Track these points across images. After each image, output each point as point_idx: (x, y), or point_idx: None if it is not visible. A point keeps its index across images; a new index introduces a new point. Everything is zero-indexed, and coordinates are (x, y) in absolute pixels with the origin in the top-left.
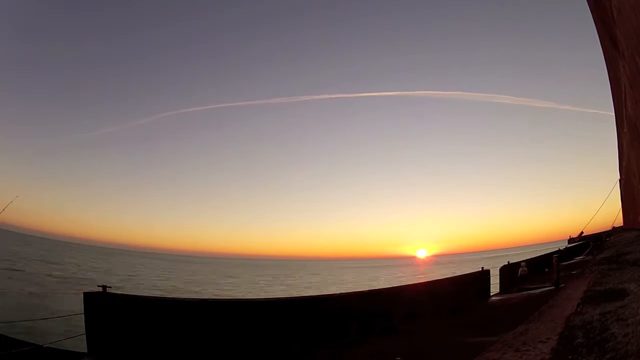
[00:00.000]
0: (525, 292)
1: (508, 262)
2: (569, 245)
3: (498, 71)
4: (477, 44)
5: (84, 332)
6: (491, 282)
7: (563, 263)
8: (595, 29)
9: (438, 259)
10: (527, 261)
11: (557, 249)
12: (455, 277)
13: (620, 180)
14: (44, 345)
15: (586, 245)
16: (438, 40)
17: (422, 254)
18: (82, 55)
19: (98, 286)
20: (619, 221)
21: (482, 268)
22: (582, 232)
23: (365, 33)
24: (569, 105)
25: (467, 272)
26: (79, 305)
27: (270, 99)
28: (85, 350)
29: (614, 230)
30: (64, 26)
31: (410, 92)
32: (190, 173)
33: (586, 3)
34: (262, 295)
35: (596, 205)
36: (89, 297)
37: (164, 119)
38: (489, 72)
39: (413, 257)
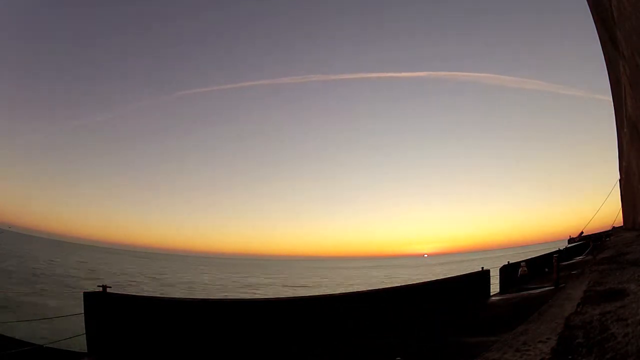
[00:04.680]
0: (525, 292)
1: (508, 262)
2: (569, 245)
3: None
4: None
5: (84, 332)
6: (491, 282)
7: (563, 263)
8: (595, 28)
9: (438, 259)
10: (527, 261)
11: (557, 249)
12: (455, 277)
13: (620, 180)
14: (44, 345)
15: (586, 245)
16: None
17: (422, 253)
18: (67, 36)
19: (98, 286)
20: (619, 221)
21: (482, 268)
22: (582, 232)
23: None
24: (576, 90)
25: (467, 272)
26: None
27: (262, 81)
28: (85, 350)
29: (614, 230)
30: (43, 6)
31: (418, 73)
32: (178, 165)
33: (586, 3)
34: None
35: (596, 205)
36: (89, 297)
37: (151, 105)
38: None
39: (413, 256)
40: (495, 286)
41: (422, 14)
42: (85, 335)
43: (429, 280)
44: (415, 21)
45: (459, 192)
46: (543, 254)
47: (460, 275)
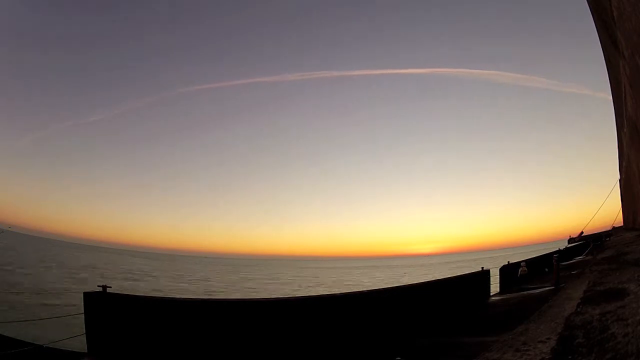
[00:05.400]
0: (525, 292)
1: (508, 262)
2: (569, 245)
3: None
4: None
5: (84, 332)
6: (491, 282)
7: (563, 263)
8: (595, 29)
9: (438, 259)
10: (527, 261)
11: (557, 249)
12: (455, 277)
13: (620, 180)
14: (44, 345)
15: (586, 245)
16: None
17: (423, 253)
18: (63, 35)
19: (98, 286)
20: (619, 221)
21: (482, 268)
22: (582, 232)
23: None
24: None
25: (467, 272)
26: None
27: (262, 78)
28: (85, 350)
29: (614, 230)
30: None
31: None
32: (174, 163)
33: (586, 3)
34: None
35: (596, 205)
36: (89, 297)
37: (151, 103)
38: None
39: (414, 256)
40: (495, 286)
41: (426, 11)
42: (85, 335)
43: (429, 280)
44: (419, 19)
45: (460, 193)
46: (543, 254)
47: (460, 275)
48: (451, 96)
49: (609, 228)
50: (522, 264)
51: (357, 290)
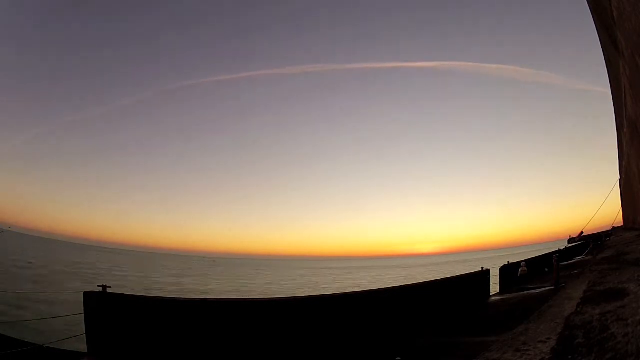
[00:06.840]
0: (525, 292)
1: (508, 262)
2: (569, 245)
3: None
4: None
5: (84, 332)
6: (491, 282)
7: (563, 263)
8: (595, 29)
9: (438, 258)
10: (527, 261)
11: (557, 249)
12: (456, 277)
13: (620, 180)
14: (44, 345)
15: (586, 245)
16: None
17: (423, 253)
18: (57, 32)
19: (98, 286)
20: (619, 221)
21: (482, 268)
22: (582, 232)
23: None
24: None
25: (467, 272)
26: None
27: (260, 72)
28: (85, 350)
29: (614, 230)
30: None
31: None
32: (173, 162)
33: (586, 3)
34: None
35: (596, 205)
36: (89, 297)
37: (146, 99)
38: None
39: (414, 256)
40: (495, 286)
41: (433, 5)
42: (85, 335)
43: (429, 280)
44: (426, 12)
45: (460, 192)
46: (543, 254)
47: (460, 275)
48: (451, 92)
49: (609, 228)
50: (522, 264)
51: (357, 290)
